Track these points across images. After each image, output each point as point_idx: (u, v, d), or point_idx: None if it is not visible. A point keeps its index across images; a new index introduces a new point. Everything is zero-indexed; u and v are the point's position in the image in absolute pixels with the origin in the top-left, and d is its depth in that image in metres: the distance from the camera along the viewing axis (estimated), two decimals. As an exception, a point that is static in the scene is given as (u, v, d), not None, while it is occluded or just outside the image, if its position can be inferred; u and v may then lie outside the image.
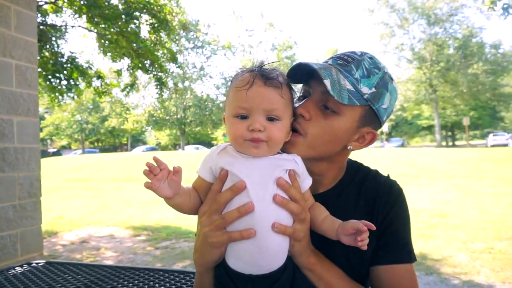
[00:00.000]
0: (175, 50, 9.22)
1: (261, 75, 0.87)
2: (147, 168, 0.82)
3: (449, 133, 51.33)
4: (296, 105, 0.98)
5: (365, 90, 0.94)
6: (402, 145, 40.77)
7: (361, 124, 0.98)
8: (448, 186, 10.33)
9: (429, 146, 38.33)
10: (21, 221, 3.43)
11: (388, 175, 1.07)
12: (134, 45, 7.14)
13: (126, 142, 57.74)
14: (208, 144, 56.40)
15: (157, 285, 1.37)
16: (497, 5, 9.88)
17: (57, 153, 42.83)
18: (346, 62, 0.97)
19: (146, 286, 1.36)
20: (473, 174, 12.31)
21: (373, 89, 0.95)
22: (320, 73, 0.90)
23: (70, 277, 1.50)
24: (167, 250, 5.57)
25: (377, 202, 0.98)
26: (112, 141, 56.58)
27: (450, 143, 48.40)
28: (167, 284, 1.38)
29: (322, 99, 0.95)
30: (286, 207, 0.84)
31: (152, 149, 45.12)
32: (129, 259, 5.25)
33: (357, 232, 0.84)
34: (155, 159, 0.83)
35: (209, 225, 0.86)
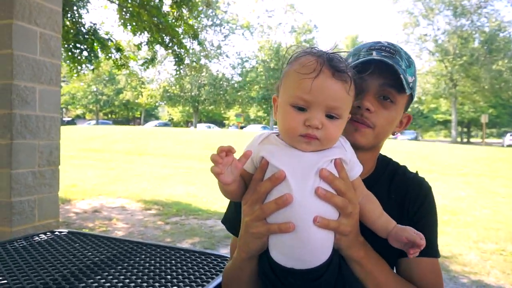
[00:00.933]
0: (195, 27, 9.11)
1: (329, 63, 0.78)
2: (216, 153, 0.78)
3: (465, 130, 50.34)
4: None
5: (410, 79, 0.99)
6: (416, 138, 40.16)
7: (405, 110, 1.06)
8: (461, 183, 10.20)
9: (443, 141, 37.70)
10: (40, 187, 3.50)
11: (417, 171, 1.12)
12: (155, 19, 7.06)
13: (139, 115, 58.23)
14: (220, 124, 56.53)
15: (179, 264, 1.38)
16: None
17: (72, 122, 43.54)
18: (391, 54, 0.98)
19: (168, 264, 1.37)
20: (487, 173, 12.11)
21: (413, 77, 1.02)
22: (398, 69, 0.94)
23: (92, 248, 1.53)
24: (177, 226, 5.67)
25: (407, 197, 1.02)
26: (126, 114, 57.12)
27: (465, 140, 47.53)
28: (189, 264, 1.39)
29: (380, 90, 0.98)
30: (329, 201, 0.79)
31: (165, 124, 45.46)
32: (139, 232, 5.37)
33: (409, 242, 0.83)
34: (223, 148, 0.79)
35: (249, 215, 0.84)
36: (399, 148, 16.46)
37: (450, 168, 12.92)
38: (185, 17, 7.73)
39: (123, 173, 10.63)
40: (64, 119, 45.85)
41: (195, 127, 41.64)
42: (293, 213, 0.78)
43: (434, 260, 0.99)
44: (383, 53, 0.97)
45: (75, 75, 8.08)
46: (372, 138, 0.99)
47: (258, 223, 0.82)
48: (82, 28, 7.20)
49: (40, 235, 1.70)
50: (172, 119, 56.24)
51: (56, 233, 1.74)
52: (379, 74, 0.95)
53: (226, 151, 0.77)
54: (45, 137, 3.52)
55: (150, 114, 61.35)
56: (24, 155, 3.32)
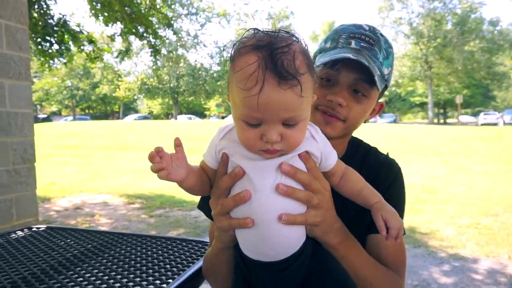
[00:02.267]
0: (170, 16, 8.92)
1: (273, 67, 0.67)
2: (151, 158, 0.73)
3: (441, 111, 51.67)
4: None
5: (386, 71, 1.00)
6: (395, 121, 41.02)
7: (378, 99, 1.07)
8: (438, 162, 10.52)
9: (420, 123, 38.66)
10: (16, 186, 3.41)
11: (388, 153, 1.14)
12: (128, 9, 6.88)
13: (117, 109, 57.05)
14: (201, 115, 56.03)
15: (160, 251, 1.38)
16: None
17: (47, 119, 42.24)
18: (370, 44, 0.98)
19: (149, 252, 1.37)
20: (463, 152, 12.52)
21: (389, 68, 1.02)
22: (372, 70, 0.93)
23: (72, 242, 1.51)
24: (161, 218, 5.65)
25: (377, 178, 1.03)
26: (104, 108, 55.87)
27: (442, 121, 48.83)
28: (170, 251, 1.39)
29: (352, 84, 0.98)
30: (291, 197, 0.77)
31: (145, 117, 44.71)
32: (123, 226, 5.32)
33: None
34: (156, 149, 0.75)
35: (214, 209, 0.85)
36: (378, 131, 16.79)
37: (427, 149, 13.29)
38: (158, 6, 7.56)
39: (103, 169, 10.45)
40: (39, 116, 44.40)
41: (176, 119, 41.16)
42: (253, 209, 0.76)
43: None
44: (361, 44, 0.97)
45: (47, 69, 7.82)
46: (343, 130, 1.00)
47: (222, 218, 0.82)
48: (51, 20, 6.94)
49: (17, 232, 1.66)
50: (152, 112, 55.37)
51: (34, 229, 1.71)
52: (353, 68, 0.95)
53: (155, 152, 0.73)
54: (17, 134, 3.42)
55: (129, 108, 60.18)
56: (-3, 153, 3.22)
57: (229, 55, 0.76)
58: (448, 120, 50.56)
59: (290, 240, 0.79)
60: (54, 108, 55.05)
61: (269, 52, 0.68)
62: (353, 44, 0.97)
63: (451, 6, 37.14)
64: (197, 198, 1.14)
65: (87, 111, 57.35)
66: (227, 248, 0.91)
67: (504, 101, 53.33)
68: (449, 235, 4.58)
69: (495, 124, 31.53)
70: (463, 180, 8.03)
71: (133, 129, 20.92)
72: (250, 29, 0.75)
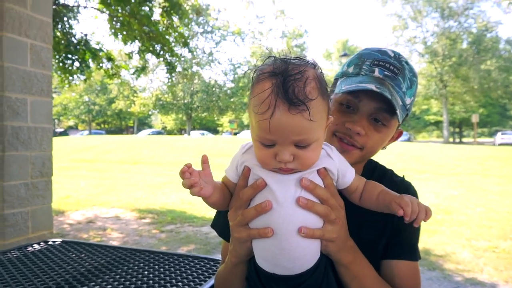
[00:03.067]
0: (186, 35, 9.16)
1: (284, 93, 0.72)
2: (182, 174, 0.79)
3: (457, 130, 50.84)
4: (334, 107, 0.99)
5: (408, 101, 1.00)
6: (409, 140, 40.48)
7: (397, 128, 1.06)
8: (454, 182, 10.29)
9: (435, 142, 38.04)
10: (33, 199, 3.49)
11: (403, 176, 1.13)
12: (146, 28, 7.11)
13: (132, 124, 58.02)
14: (214, 131, 56.51)
15: (172, 268, 1.40)
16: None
17: (64, 133, 43.22)
18: (394, 74, 0.96)
19: (162, 269, 1.39)
20: (479, 172, 12.24)
21: (412, 98, 1.01)
22: (394, 102, 0.91)
23: (86, 256, 1.54)
24: (172, 234, 5.65)
25: None
26: (119, 123, 56.90)
27: (457, 140, 48.00)
28: (182, 269, 1.40)
29: (373, 113, 0.97)
30: (311, 210, 0.80)
31: (158, 132, 45.35)
32: (134, 241, 5.34)
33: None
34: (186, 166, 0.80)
35: (233, 220, 0.87)
36: (393, 150, 16.56)
37: (442, 168, 13.04)
38: (175, 25, 7.78)
39: (117, 183, 10.58)
40: (56, 130, 45.51)
41: (189, 134, 41.57)
42: (273, 220, 0.79)
43: (414, 264, 1.02)
44: (385, 72, 0.96)
45: (67, 85, 8.07)
46: (360, 157, 1.00)
47: (241, 228, 0.84)
48: (73, 39, 7.22)
49: (33, 245, 1.70)
50: (166, 127, 56.13)
51: (50, 242, 1.75)
52: (374, 97, 0.94)
53: (189, 167, 0.79)
54: (37, 148, 3.52)
55: (143, 123, 61.16)
56: (17, 167, 3.31)
57: (250, 80, 0.81)
58: (464, 140, 49.68)
59: (307, 254, 0.81)
60: (71, 123, 56.38)
61: (282, 79, 0.74)
62: (376, 72, 0.96)
63: (466, 25, 37.04)
64: (208, 214, 1.16)
65: (102, 125, 58.50)
66: (242, 263, 0.91)
67: (522, 121, 52.18)
68: (465, 259, 4.44)
69: (513, 144, 30.78)
70: (479, 201, 7.83)
71: (147, 144, 21.20)
72: (270, 56, 0.80)
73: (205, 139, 27.89)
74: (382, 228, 1.00)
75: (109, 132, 52.24)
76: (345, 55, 23.24)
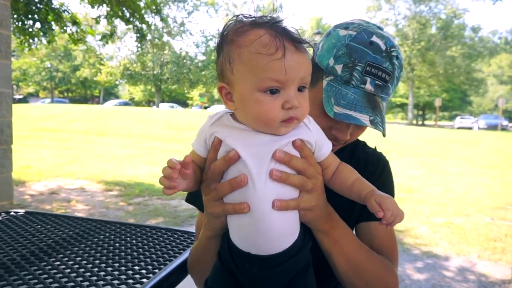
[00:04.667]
0: (158, 1, 8.73)
1: (287, 36, 0.72)
2: (168, 167, 0.71)
3: (420, 112, 52.92)
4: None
5: (391, 94, 1.02)
6: (375, 120, 41.70)
7: None
8: (416, 163, 10.79)
9: (400, 123, 39.44)
10: (-9, 168, 3.29)
11: (375, 147, 1.18)
12: (115, -10, 6.69)
13: (98, 94, 55.68)
14: (184, 104, 55.38)
15: (145, 241, 1.37)
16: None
17: (24, 100, 40.86)
18: (384, 82, 0.94)
19: (134, 241, 1.36)
20: (439, 154, 12.88)
21: (394, 89, 1.03)
22: (382, 128, 0.97)
23: (53, 228, 1.47)
24: (140, 206, 5.58)
25: (366, 170, 1.04)
26: (83, 92, 54.40)
27: (420, 122, 50.03)
28: (156, 241, 1.38)
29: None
30: (285, 182, 0.76)
31: (125, 103, 43.83)
32: (101, 213, 5.23)
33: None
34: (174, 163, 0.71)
35: (206, 194, 0.83)
36: (360, 130, 17.03)
37: (406, 149, 13.60)
38: (146, -10, 7.38)
39: (82, 154, 10.21)
40: (15, 97, 42.83)
41: (158, 106, 40.54)
42: (249, 195, 0.74)
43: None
44: (376, 82, 0.93)
45: (27, 48, 7.53)
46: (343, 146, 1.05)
47: (215, 203, 0.81)
48: (33, -3, 6.67)
49: (-6, 215, 1.61)
50: (133, 98, 54.31)
51: (12, 213, 1.66)
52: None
53: (177, 166, 0.70)
54: (-5, 113, 3.29)
55: (109, 93, 58.83)
56: (-28, 133, 3.09)
57: (219, 40, 0.78)
58: (426, 122, 51.87)
59: (284, 233, 0.78)
60: (31, 90, 53.22)
61: (274, 25, 0.73)
62: (368, 84, 0.93)
63: (436, 10, 37.92)
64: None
65: (66, 94, 55.76)
66: (217, 236, 0.88)
67: (479, 106, 55.11)
68: (423, 234, 4.72)
69: (470, 128, 32.59)
70: (438, 181, 8.28)
71: (113, 115, 20.49)
72: (233, 16, 0.78)
73: (175, 112, 27.33)
74: None
75: (73, 101, 49.83)
76: (318, 33, 23.18)
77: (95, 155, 10.05)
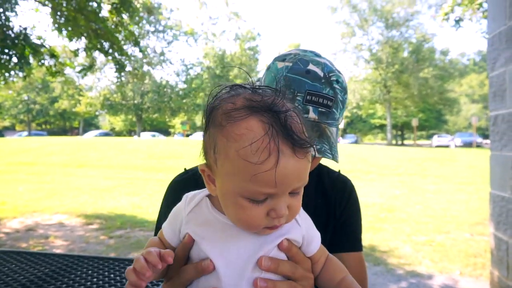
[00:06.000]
0: (137, 33, 8.87)
1: (286, 135, 0.59)
2: (141, 262, 0.62)
3: (399, 132, 54.29)
4: None
5: (340, 120, 0.99)
6: (356, 142, 42.52)
7: None
8: (396, 182, 10.98)
9: (380, 144, 40.33)
10: (-37, 206, 3.18)
11: (339, 170, 1.17)
12: (93, 24, 6.78)
13: (77, 125, 54.83)
14: (165, 132, 55.11)
15: (123, 274, 1.36)
16: (450, 17, 10.66)
17: (-1, 134, 39.76)
18: (328, 108, 0.91)
19: (112, 275, 1.34)
20: (418, 172, 13.17)
21: (342, 115, 1.00)
22: (335, 160, 0.93)
23: (28, 266, 1.44)
24: (122, 239, 5.44)
25: (332, 197, 1.08)
26: (62, 124, 53.50)
27: (400, 142, 51.25)
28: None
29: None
30: None
31: (106, 134, 43.26)
32: (80, 248, 5.07)
33: None
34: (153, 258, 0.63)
35: None
36: (341, 152, 17.23)
37: (386, 169, 13.86)
38: (125, 23, 7.50)
39: (60, 187, 9.95)
40: (-11, 130, 41.73)
41: (139, 136, 40.17)
42: None
43: (360, 254, 1.07)
44: (319, 109, 0.90)
45: (3, 82, 7.46)
46: None
47: None
48: (11, 32, 6.68)
49: (-34, 256, 1.56)
50: (114, 128, 53.74)
51: (-15, 253, 1.62)
52: None
53: (159, 265, 0.62)
54: (-32, 150, 3.22)
55: (89, 124, 58.05)
56: None
57: (207, 114, 0.66)
58: (405, 142, 53.16)
59: None
60: (7, 123, 51.96)
61: (273, 115, 0.60)
62: (311, 113, 0.89)
63: (407, 35, 39.76)
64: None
65: (44, 126, 54.65)
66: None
67: (455, 124, 57.03)
68: (406, 253, 4.77)
69: (447, 146, 33.64)
70: (418, 199, 8.43)
71: (93, 146, 20.16)
72: (225, 86, 0.66)
73: (156, 141, 27.12)
74: (325, 223, 1.04)
75: (51, 133, 48.82)
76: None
77: (74, 188, 9.80)
